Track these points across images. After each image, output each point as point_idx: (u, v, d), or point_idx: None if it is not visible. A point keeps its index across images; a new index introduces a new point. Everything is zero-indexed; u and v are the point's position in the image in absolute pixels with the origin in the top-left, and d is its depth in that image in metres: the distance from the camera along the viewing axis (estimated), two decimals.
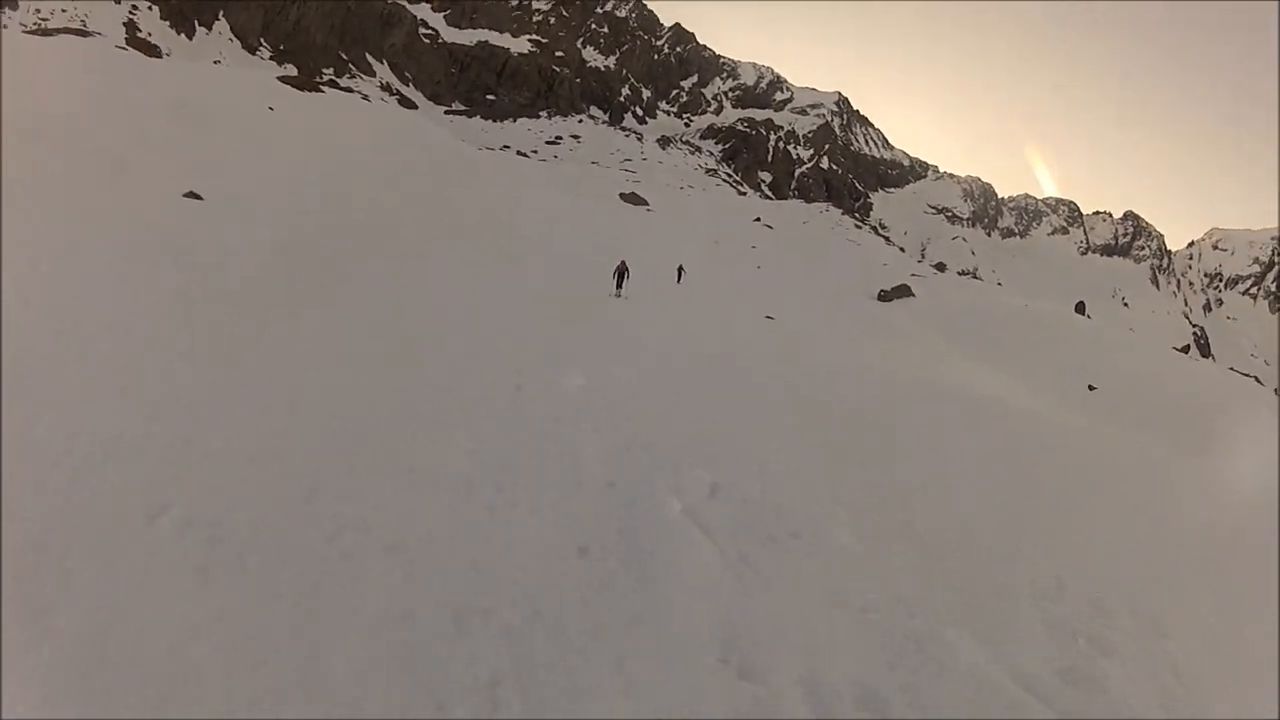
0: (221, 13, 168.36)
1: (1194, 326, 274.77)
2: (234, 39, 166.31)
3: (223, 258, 18.47)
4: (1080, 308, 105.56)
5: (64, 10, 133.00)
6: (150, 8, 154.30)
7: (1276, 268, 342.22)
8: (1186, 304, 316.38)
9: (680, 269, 51.50)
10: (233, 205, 27.83)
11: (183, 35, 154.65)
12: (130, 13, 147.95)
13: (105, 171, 25.92)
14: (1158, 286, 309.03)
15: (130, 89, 44.19)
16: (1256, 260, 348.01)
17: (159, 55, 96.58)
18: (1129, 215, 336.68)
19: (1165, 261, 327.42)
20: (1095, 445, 23.19)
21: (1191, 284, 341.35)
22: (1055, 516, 12.25)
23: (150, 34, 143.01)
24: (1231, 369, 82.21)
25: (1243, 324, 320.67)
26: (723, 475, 9.96)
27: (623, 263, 36.56)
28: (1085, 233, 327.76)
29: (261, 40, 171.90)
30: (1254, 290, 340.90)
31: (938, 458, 14.79)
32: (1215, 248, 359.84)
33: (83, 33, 79.35)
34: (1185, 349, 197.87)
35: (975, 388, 32.04)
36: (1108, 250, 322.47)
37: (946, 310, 68.90)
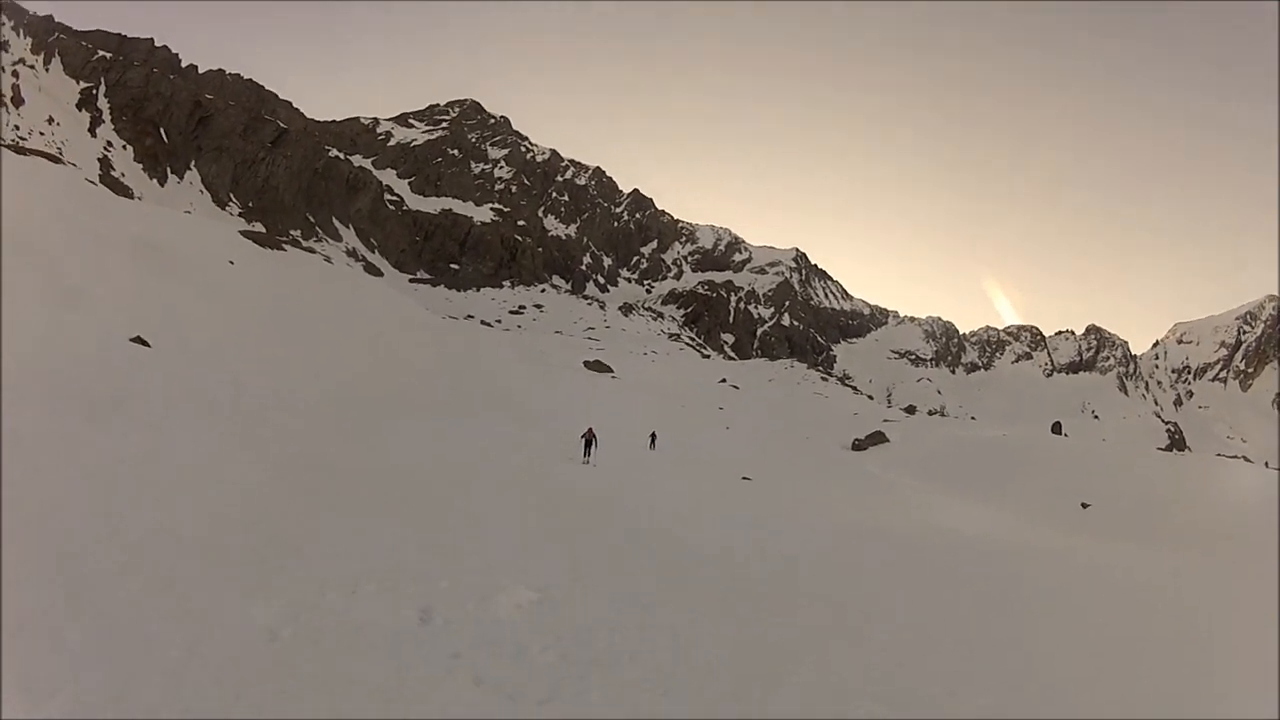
0: (194, 162, 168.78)
1: (1167, 424, 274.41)
2: (204, 190, 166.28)
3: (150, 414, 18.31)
4: (1056, 428, 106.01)
5: (41, 134, 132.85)
6: (125, 148, 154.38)
7: (1243, 345, 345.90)
8: (1157, 403, 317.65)
9: (653, 435, 50.38)
10: (180, 356, 27.86)
11: (155, 180, 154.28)
12: (105, 149, 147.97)
13: (56, 301, 26.04)
14: (1126, 393, 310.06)
15: (94, 220, 43.17)
16: (1222, 344, 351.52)
17: (130, 196, 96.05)
18: (1091, 329, 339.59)
19: (1131, 367, 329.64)
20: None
21: (1160, 383, 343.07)
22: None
23: (123, 174, 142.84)
24: (1219, 455, 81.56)
25: (1216, 410, 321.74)
26: None
27: (590, 430, 35.91)
28: (1049, 354, 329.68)
29: (231, 195, 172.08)
30: (1223, 374, 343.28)
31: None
32: (1180, 342, 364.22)
33: (55, 159, 79.07)
34: (1168, 448, 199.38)
35: (966, 529, 31.34)
36: (1073, 367, 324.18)
37: (925, 451, 68.96)
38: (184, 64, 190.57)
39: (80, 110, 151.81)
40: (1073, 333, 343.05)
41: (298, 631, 8.13)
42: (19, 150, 68.84)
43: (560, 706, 7.56)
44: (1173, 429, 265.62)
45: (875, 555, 20.97)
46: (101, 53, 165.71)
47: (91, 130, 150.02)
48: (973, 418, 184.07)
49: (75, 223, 40.08)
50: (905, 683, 9.67)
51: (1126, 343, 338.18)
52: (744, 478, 40.94)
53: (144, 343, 26.91)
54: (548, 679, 8.10)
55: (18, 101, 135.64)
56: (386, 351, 52.45)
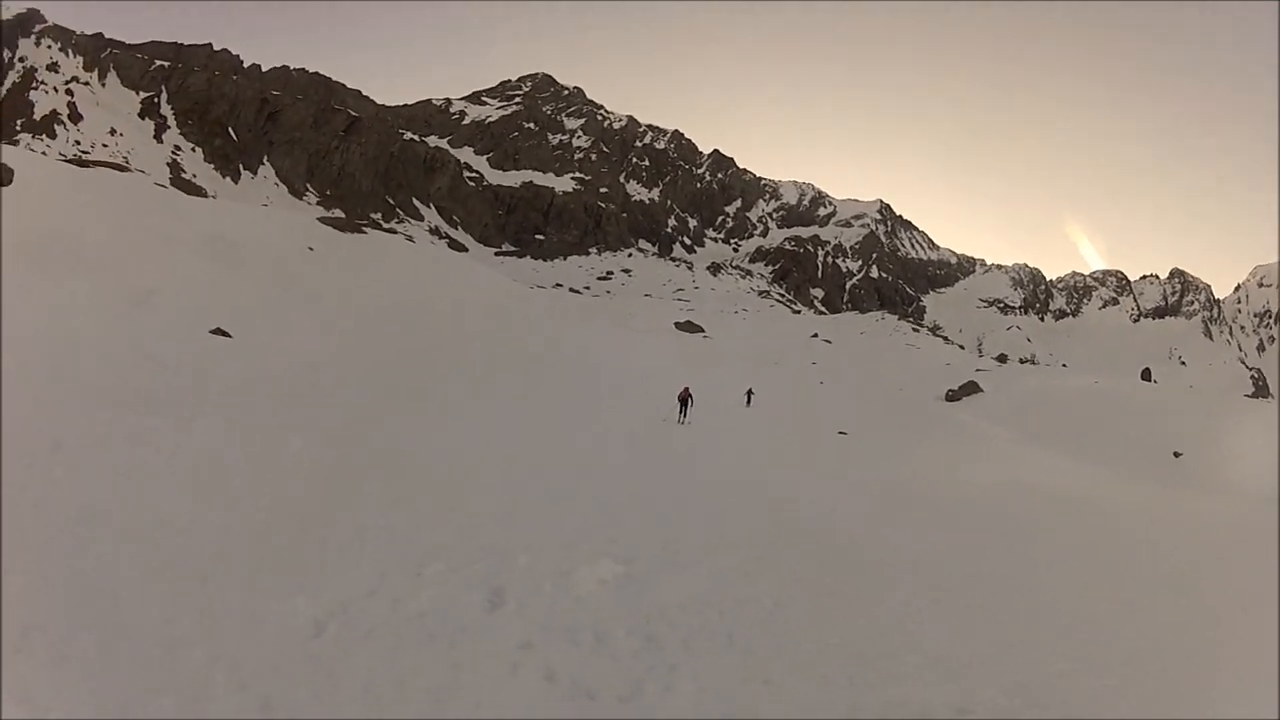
0: (266, 158, 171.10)
1: (1251, 370, 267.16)
2: (279, 184, 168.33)
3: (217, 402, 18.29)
4: (1146, 375, 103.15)
5: (105, 145, 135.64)
6: (194, 150, 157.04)
7: None
8: (1241, 349, 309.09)
9: (749, 392, 49.56)
10: (258, 344, 27.80)
11: (228, 179, 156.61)
12: (174, 154, 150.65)
13: (129, 302, 26.32)
14: (1211, 338, 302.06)
15: (165, 222, 44.46)
16: None
17: (204, 195, 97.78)
18: (1175, 273, 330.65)
19: (1215, 311, 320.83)
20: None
21: (1243, 328, 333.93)
22: None
23: (195, 175, 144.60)
24: None
25: None
26: None
27: (686, 389, 35.32)
28: (1135, 299, 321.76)
29: (308, 185, 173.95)
30: None
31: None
32: (1261, 285, 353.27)
33: (121, 168, 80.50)
34: (1253, 395, 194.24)
35: (1065, 485, 30.49)
36: (1159, 312, 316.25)
37: (1017, 402, 68.59)
38: (246, 64, 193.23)
39: (143, 119, 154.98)
40: (1157, 277, 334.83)
41: (347, 624, 7.26)
42: (81, 164, 69.79)
43: (644, 704, 6.57)
44: (1257, 375, 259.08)
45: (976, 518, 19.92)
46: (159, 62, 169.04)
47: (157, 137, 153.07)
48: (1064, 365, 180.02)
49: (145, 226, 40.76)
50: (1018, 665, 8.66)
51: (1209, 286, 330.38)
52: (840, 432, 40.45)
53: (224, 334, 26.84)
54: (632, 670, 7.11)
55: (75, 118, 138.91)
56: (470, 324, 52.69)
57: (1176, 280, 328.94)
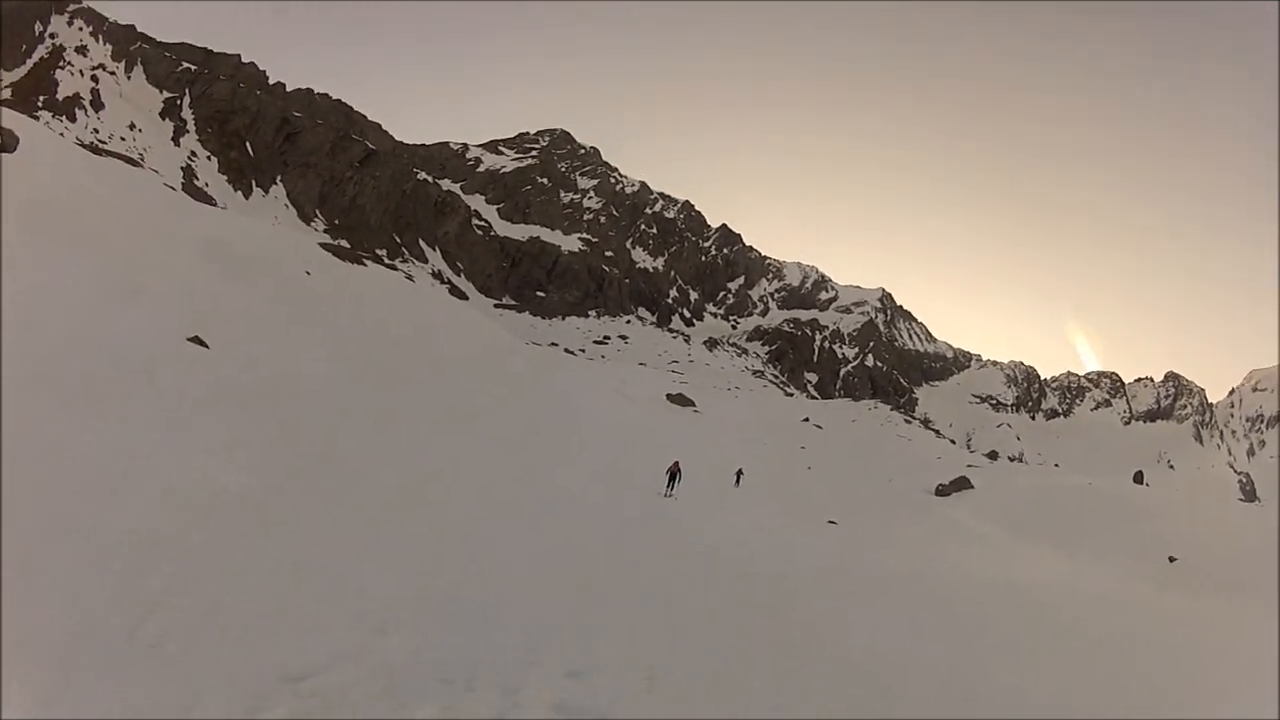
0: (279, 177, 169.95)
1: (1239, 474, 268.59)
2: (290, 205, 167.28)
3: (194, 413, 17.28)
4: (1139, 477, 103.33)
5: (122, 139, 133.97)
6: (209, 158, 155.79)
7: None
8: (1230, 453, 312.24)
9: (739, 472, 48.55)
10: (234, 357, 26.71)
11: (239, 193, 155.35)
12: (189, 159, 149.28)
13: (118, 296, 25.12)
14: (1201, 443, 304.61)
15: (168, 221, 43.47)
16: None
17: (213, 205, 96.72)
18: (1169, 376, 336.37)
19: (1207, 416, 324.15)
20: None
21: (1234, 432, 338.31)
22: None
23: (207, 184, 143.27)
24: None
25: None
26: None
27: (675, 464, 34.92)
28: (1128, 402, 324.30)
29: (317, 212, 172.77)
30: None
31: None
32: (1255, 390, 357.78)
33: (134, 163, 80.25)
34: (1243, 501, 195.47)
35: (1065, 586, 31.24)
36: (1150, 415, 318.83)
37: (1009, 499, 68.53)
38: (271, 81, 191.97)
39: (164, 119, 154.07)
40: (1151, 380, 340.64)
41: None
42: (96, 151, 69.47)
43: None
44: (1244, 480, 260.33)
45: (984, 624, 19.73)
46: (186, 64, 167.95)
47: (175, 140, 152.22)
48: (1056, 465, 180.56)
49: (147, 221, 39.81)
50: None
51: (1203, 390, 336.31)
52: (830, 521, 39.68)
53: (201, 343, 25.89)
54: None
55: (97, 105, 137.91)
56: (460, 373, 51.66)
57: (1171, 384, 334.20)
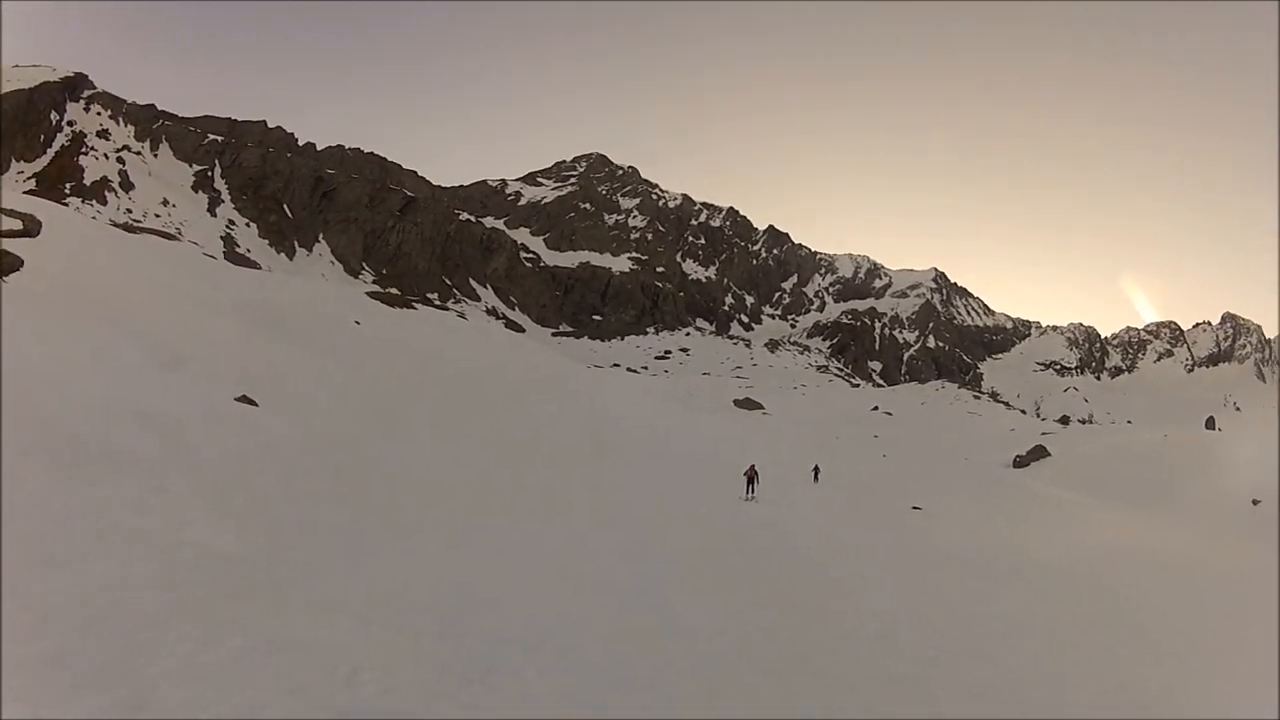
0: (321, 235, 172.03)
1: None
2: (335, 261, 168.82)
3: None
4: (1210, 423, 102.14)
5: (157, 215, 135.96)
6: (249, 225, 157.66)
7: None
8: None
9: (816, 468, 47.86)
10: (285, 414, 26.68)
11: (283, 255, 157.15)
12: (228, 228, 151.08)
13: (160, 364, 24.82)
14: (1264, 380, 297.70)
15: (208, 289, 43.50)
16: None
17: (257, 269, 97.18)
18: (1226, 317, 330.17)
19: (1267, 353, 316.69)
20: None
21: None
22: None
23: (249, 250, 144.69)
24: None
25: None
26: None
27: (752, 467, 35.03)
28: (1189, 348, 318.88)
29: (364, 264, 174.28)
30: None
31: None
32: None
33: (170, 237, 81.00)
34: None
35: (1151, 549, 31.17)
36: (1213, 359, 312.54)
37: (1088, 462, 68.34)
38: (301, 142, 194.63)
39: (196, 192, 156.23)
40: (1209, 323, 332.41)
41: None
42: (130, 230, 69.30)
43: None
44: None
45: (1082, 607, 18.55)
46: (212, 136, 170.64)
47: (211, 210, 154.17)
48: (1129, 421, 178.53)
49: (187, 291, 39.63)
50: None
51: (1260, 327, 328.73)
52: (914, 507, 38.45)
53: (250, 401, 25.76)
54: None
55: (126, 186, 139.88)
56: (526, 402, 51.01)
57: (1228, 325, 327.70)
